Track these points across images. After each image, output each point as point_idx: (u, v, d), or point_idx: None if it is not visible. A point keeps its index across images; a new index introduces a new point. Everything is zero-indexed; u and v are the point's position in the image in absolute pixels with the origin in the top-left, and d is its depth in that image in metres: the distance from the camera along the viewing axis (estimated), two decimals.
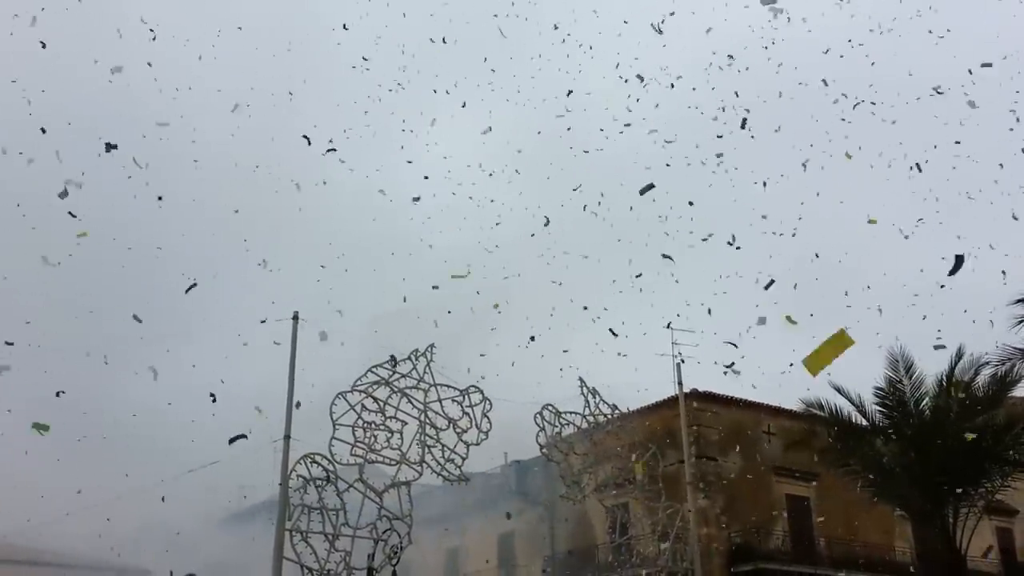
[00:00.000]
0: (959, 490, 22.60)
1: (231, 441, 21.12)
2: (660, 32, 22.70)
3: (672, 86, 23.72)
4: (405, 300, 23.69)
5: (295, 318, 21.17)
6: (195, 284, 21.73)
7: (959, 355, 23.09)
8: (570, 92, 24.05)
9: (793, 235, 23.24)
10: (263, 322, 21.15)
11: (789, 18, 21.56)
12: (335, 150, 24.26)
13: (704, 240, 23.89)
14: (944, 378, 23.41)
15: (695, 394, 29.02)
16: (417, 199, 24.33)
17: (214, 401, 21.87)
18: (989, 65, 20.84)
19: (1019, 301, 20.69)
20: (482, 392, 21.94)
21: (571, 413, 24.42)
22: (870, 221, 21.12)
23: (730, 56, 23.28)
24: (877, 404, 24.12)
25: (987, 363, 22.90)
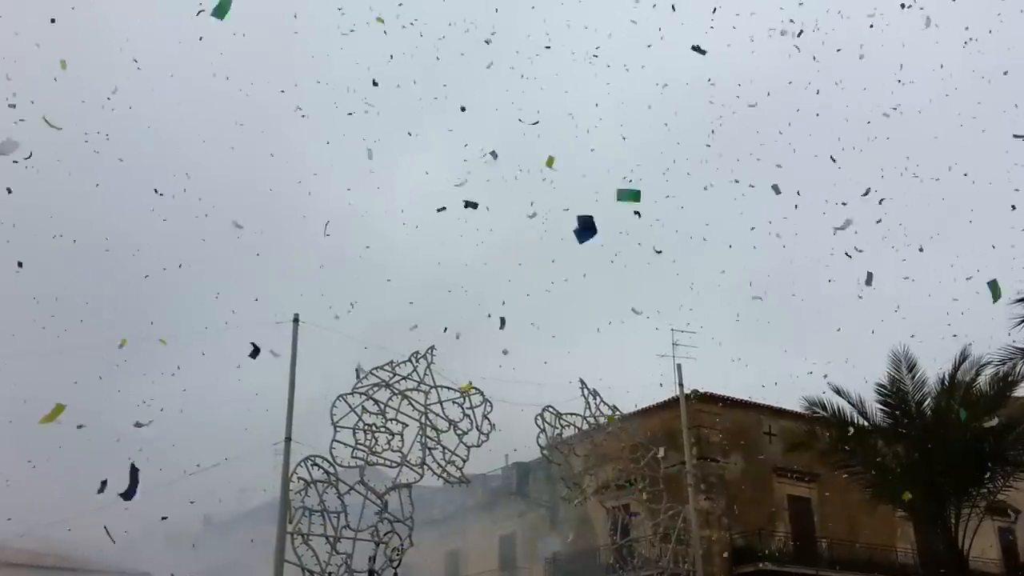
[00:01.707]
0: (967, 490, 22.59)
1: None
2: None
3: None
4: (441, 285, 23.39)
5: (295, 321, 21.14)
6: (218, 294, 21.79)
7: (963, 356, 23.05)
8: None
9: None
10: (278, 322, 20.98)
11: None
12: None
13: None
14: (947, 378, 23.38)
15: (696, 395, 28.99)
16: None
17: None
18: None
19: (1019, 301, 20.66)
20: (483, 394, 21.89)
21: (572, 415, 24.35)
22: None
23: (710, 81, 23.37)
24: (879, 404, 24.10)
25: (988, 363, 22.89)
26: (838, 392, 24.20)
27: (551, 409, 23.87)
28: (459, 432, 21.36)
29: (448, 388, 21.60)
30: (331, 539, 18.89)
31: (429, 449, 20.94)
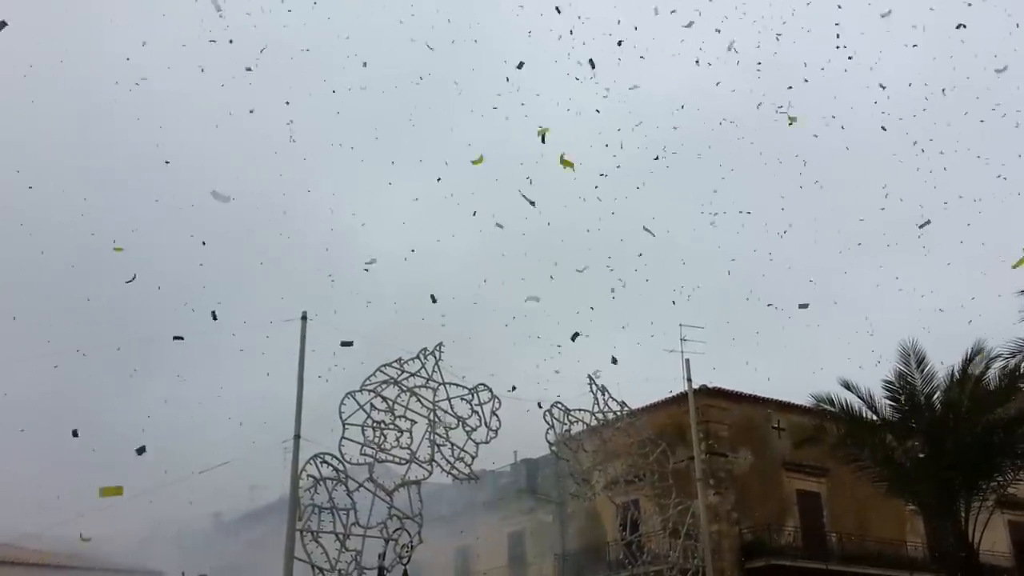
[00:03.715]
0: (977, 483, 22.49)
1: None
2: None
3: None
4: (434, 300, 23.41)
5: (303, 318, 21.14)
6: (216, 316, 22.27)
7: (976, 349, 22.89)
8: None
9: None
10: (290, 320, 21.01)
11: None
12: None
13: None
14: (957, 371, 23.26)
15: (704, 390, 28.95)
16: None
17: None
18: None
19: None
20: (491, 390, 21.88)
21: (580, 411, 24.34)
22: None
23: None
24: (888, 398, 23.99)
25: (997, 356, 22.76)
26: (847, 387, 24.10)
27: (560, 405, 23.87)
28: (468, 429, 21.37)
29: (456, 385, 21.62)
30: (340, 536, 18.90)
31: (438, 446, 20.95)
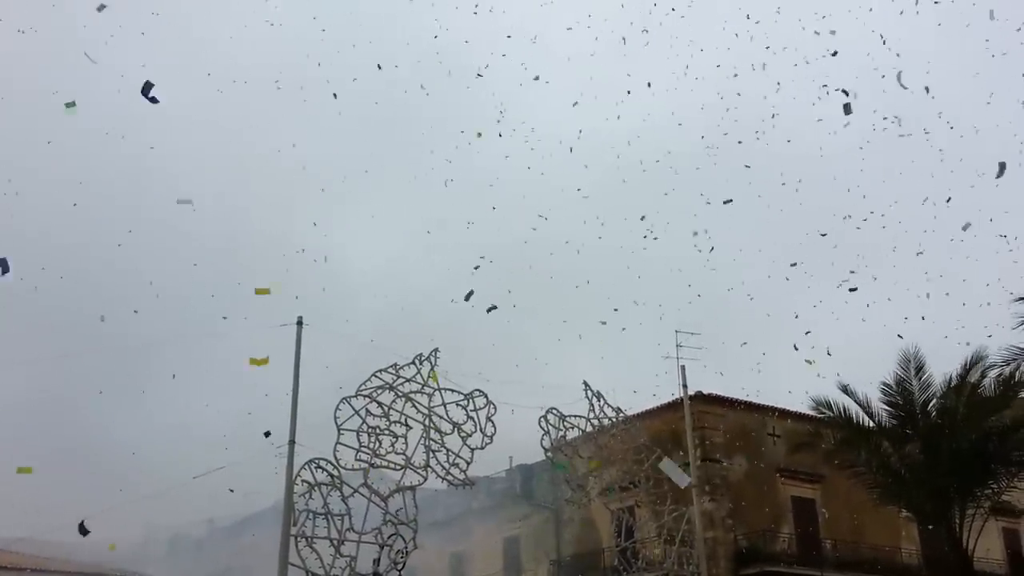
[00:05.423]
0: (972, 491, 22.52)
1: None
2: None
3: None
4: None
5: (299, 323, 21.12)
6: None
7: (975, 358, 22.89)
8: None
9: None
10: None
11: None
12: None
13: None
14: (954, 379, 23.28)
15: (700, 396, 28.95)
16: None
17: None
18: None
19: (1022, 299, 20.53)
20: (486, 396, 21.87)
21: (576, 417, 24.31)
22: None
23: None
24: (885, 404, 23.99)
25: (993, 364, 22.78)
26: (845, 391, 24.10)
27: (555, 411, 23.85)
28: (463, 434, 21.36)
29: (452, 390, 21.60)
30: (335, 542, 18.87)
31: (433, 451, 20.94)
